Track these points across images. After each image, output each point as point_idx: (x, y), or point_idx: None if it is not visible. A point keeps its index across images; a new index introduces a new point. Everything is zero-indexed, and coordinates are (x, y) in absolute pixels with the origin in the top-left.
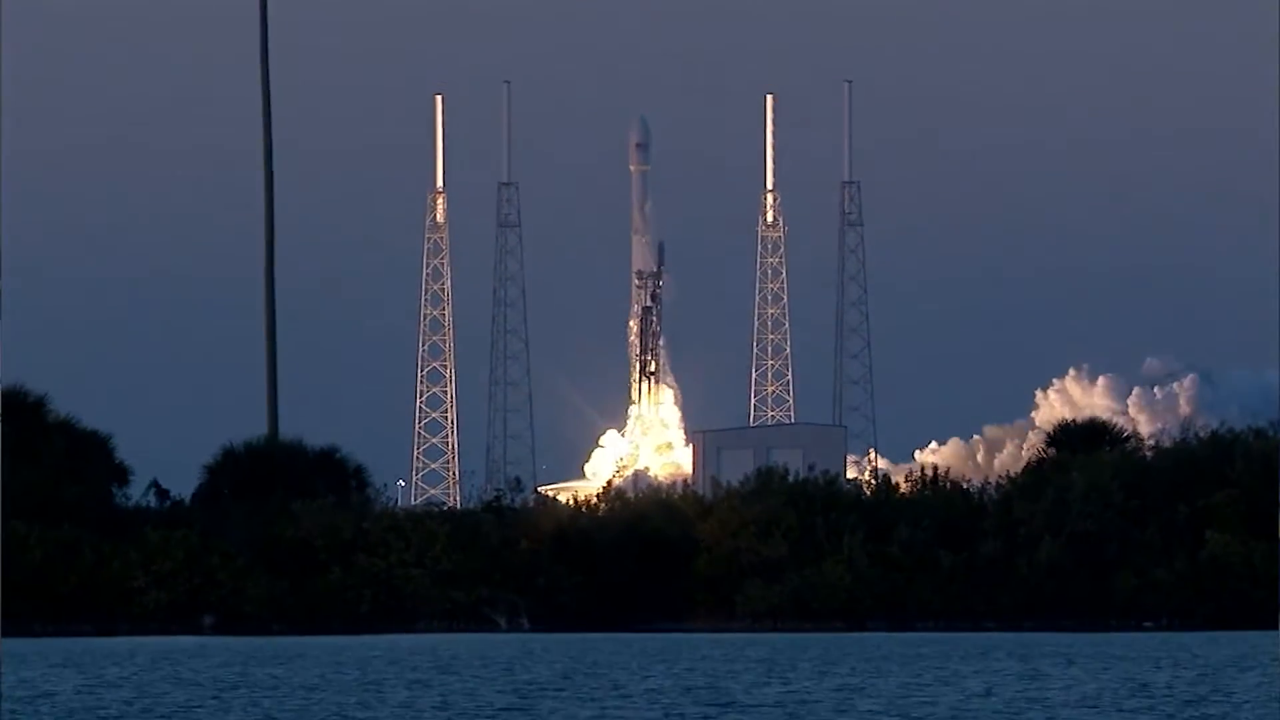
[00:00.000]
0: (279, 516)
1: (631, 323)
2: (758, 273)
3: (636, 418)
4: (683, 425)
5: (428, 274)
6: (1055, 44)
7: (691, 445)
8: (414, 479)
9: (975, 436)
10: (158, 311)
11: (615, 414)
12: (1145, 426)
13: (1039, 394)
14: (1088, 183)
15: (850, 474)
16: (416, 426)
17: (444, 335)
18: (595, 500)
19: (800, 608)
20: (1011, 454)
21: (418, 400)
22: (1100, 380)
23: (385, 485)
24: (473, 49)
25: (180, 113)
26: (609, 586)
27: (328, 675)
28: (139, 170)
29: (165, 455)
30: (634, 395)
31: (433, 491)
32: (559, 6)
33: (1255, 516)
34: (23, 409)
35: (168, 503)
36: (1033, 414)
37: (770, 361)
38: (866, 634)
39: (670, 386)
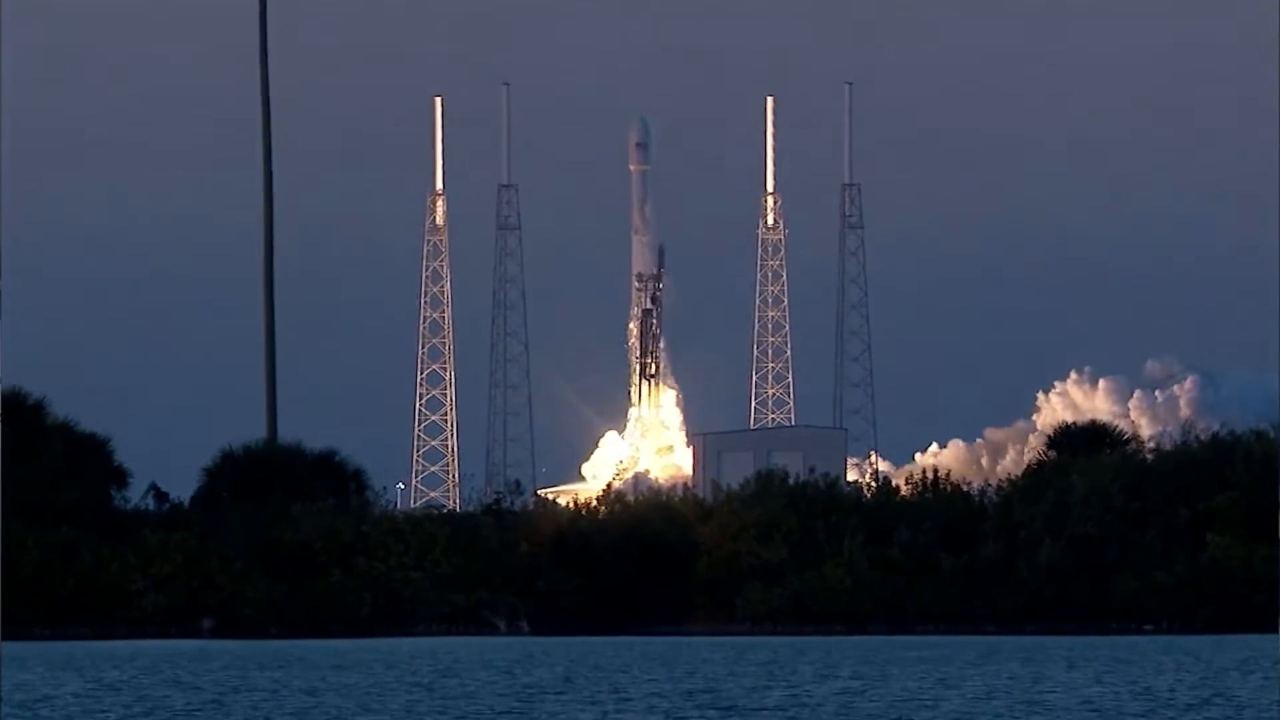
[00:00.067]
0: (278, 519)
1: (631, 325)
2: (758, 275)
3: (636, 420)
4: (684, 427)
5: (427, 276)
6: (1055, 45)
7: (692, 448)
8: (413, 482)
9: (978, 440)
10: (157, 313)
11: (615, 417)
12: (1146, 429)
13: (1040, 397)
14: (1088, 184)
15: (851, 477)
16: (416, 429)
17: (443, 338)
18: (595, 503)
19: (800, 611)
20: (1014, 460)
21: (417, 403)
22: (1101, 383)
23: (384, 488)
24: (472, 51)
25: (180, 113)
26: (609, 590)
27: (328, 678)
28: (138, 171)
29: (164, 458)
30: (634, 398)
31: (432, 494)
32: (558, 9)
33: (1256, 519)
34: (21, 411)
35: (166, 505)
36: (1034, 417)
37: (770, 364)
38: (867, 637)
39: (672, 388)
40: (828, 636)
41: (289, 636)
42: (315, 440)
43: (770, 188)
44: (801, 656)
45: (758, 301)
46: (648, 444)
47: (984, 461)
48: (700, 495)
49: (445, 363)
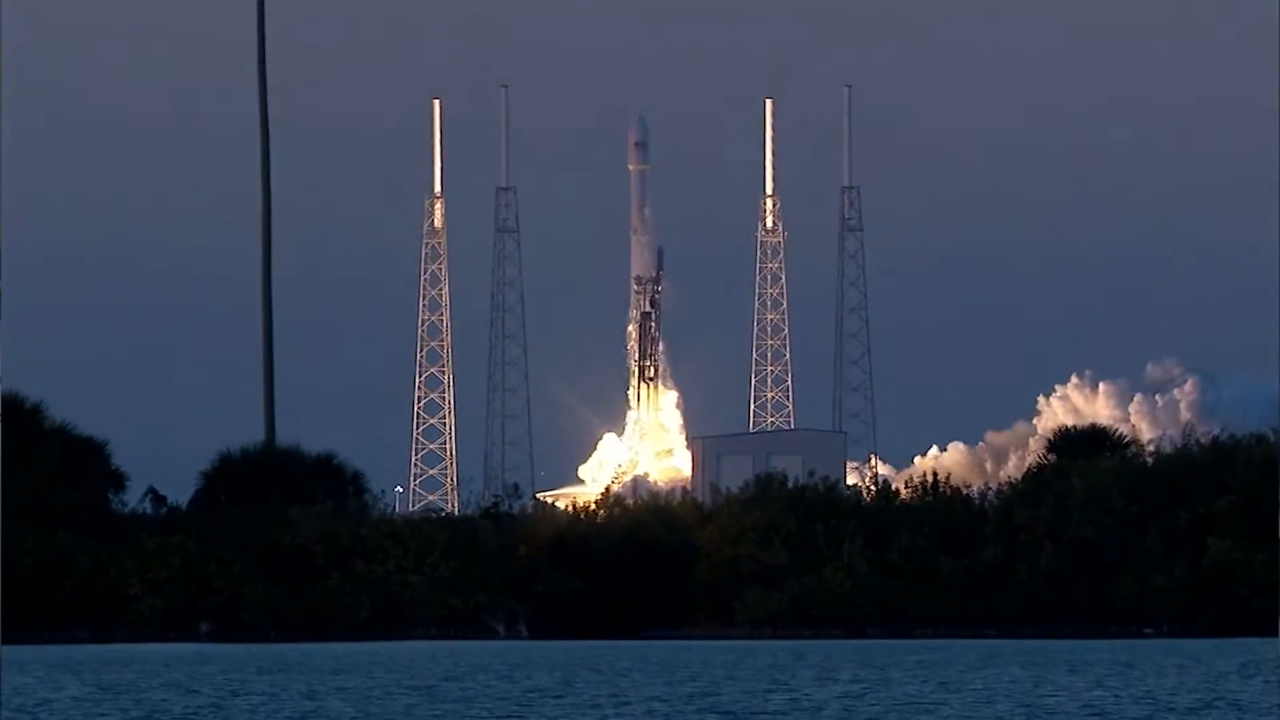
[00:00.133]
0: (276, 523)
1: (630, 328)
2: (757, 278)
3: (635, 422)
4: (684, 429)
5: (425, 279)
6: (1056, 49)
7: (691, 451)
8: (412, 485)
9: (980, 443)
10: (155, 317)
11: (614, 420)
12: (1147, 433)
13: (1042, 400)
14: (1088, 187)
15: (851, 480)
16: (414, 432)
17: (442, 341)
18: (594, 507)
19: (800, 615)
20: (1016, 465)
21: (415, 406)
22: (1102, 386)
23: (383, 491)
24: (471, 53)
25: (177, 116)
26: (608, 593)
27: (327, 682)
28: (137, 174)
29: (162, 461)
30: (633, 401)
31: (431, 498)
32: (558, 11)
33: (1256, 523)
34: (19, 414)
35: (164, 509)
36: (1035, 420)
37: (770, 367)
38: (867, 641)
39: (673, 390)
40: (827, 640)
41: (287, 640)
42: (313, 443)
43: (769, 190)
44: (801, 660)
45: (757, 304)
46: (646, 447)
47: (988, 465)
48: (699, 499)
49: (444, 366)
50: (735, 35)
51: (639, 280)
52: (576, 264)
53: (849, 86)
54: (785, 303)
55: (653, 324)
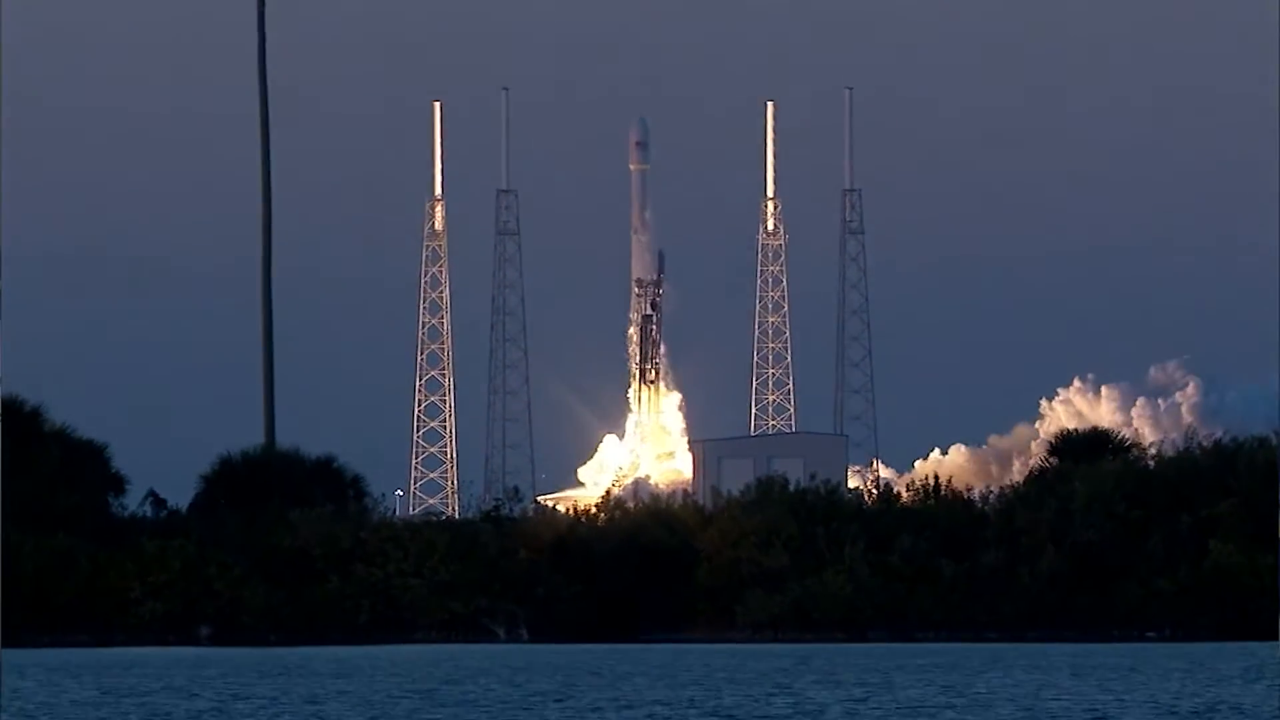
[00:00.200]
0: (276, 526)
1: (631, 331)
2: (758, 281)
3: (636, 425)
4: (685, 432)
5: (426, 282)
6: (1057, 52)
7: (692, 454)
8: (412, 488)
9: (985, 445)
10: (155, 320)
11: (615, 423)
12: (1150, 436)
13: (1044, 403)
14: (1091, 190)
15: (852, 483)
16: (415, 435)
17: (442, 343)
18: (594, 510)
19: (801, 618)
20: (1019, 470)
21: (416, 409)
22: (1104, 389)
23: (383, 495)
24: (471, 55)
25: (178, 120)
26: (608, 597)
27: (328, 686)
28: (137, 177)
29: (162, 464)
30: (634, 404)
31: (431, 501)
32: (558, 14)
33: (1259, 526)
34: (19, 418)
35: (164, 512)
36: (1038, 424)
37: (771, 370)
38: (870, 644)
39: (676, 392)
40: (829, 644)
41: (287, 644)
42: (313, 446)
43: (770, 193)
44: (804, 664)
45: (758, 307)
46: (647, 449)
47: (993, 469)
48: (700, 502)
49: (444, 369)
50: (736, 37)
51: (640, 283)
52: (577, 266)
53: (850, 89)
54: (786, 305)
55: (654, 327)
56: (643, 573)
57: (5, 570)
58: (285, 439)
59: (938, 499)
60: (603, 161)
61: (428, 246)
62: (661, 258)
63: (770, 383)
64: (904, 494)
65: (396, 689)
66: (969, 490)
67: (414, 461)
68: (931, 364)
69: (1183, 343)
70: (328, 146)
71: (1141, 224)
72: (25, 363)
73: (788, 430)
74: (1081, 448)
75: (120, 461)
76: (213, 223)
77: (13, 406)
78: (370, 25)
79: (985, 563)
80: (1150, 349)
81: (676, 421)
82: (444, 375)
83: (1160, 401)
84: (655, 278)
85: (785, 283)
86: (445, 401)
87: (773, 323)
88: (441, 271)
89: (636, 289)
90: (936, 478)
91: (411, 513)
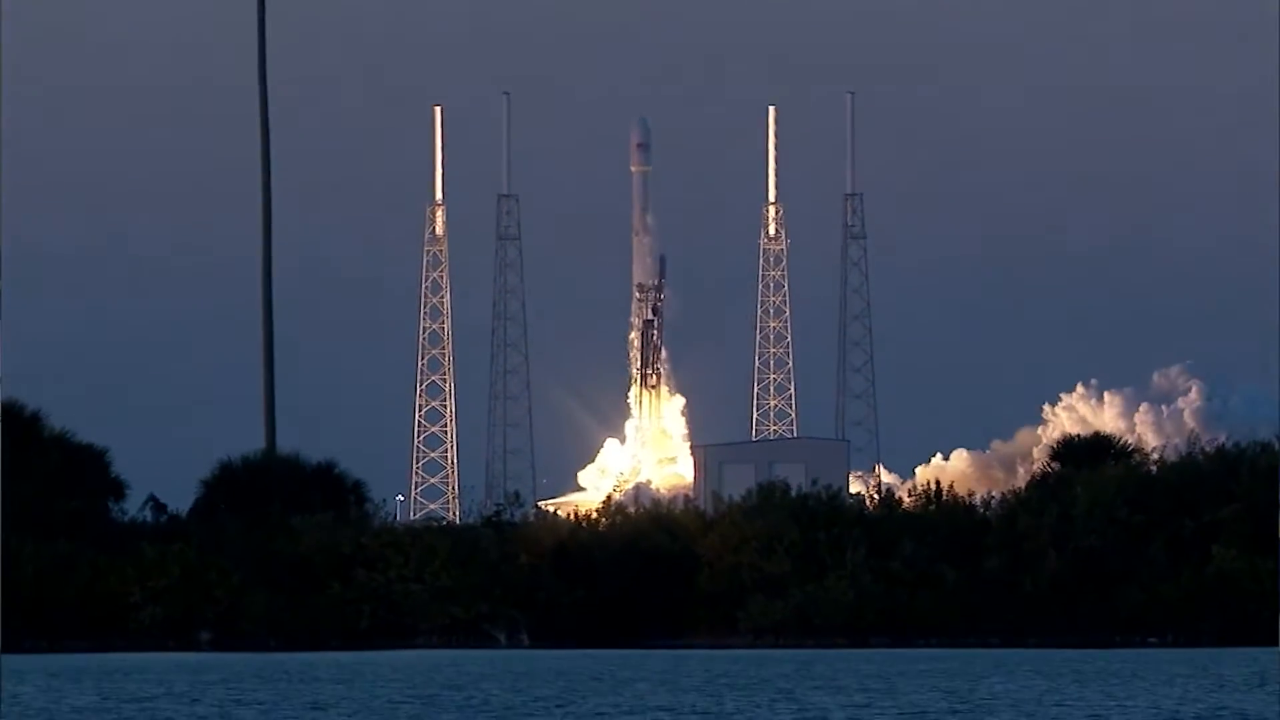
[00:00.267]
0: (277, 531)
1: (632, 336)
2: (760, 285)
3: (636, 430)
4: (687, 436)
5: (427, 287)
6: (1059, 55)
7: (693, 459)
8: (413, 493)
9: (987, 451)
10: (155, 324)
11: (616, 428)
12: (1153, 442)
13: (1048, 409)
14: (1093, 195)
15: (854, 489)
16: (415, 441)
17: (443, 348)
18: (596, 515)
19: (803, 624)
20: (1023, 477)
21: (417, 414)
22: (1107, 396)
23: (384, 500)
24: (472, 60)
25: (178, 123)
26: (609, 602)
27: (330, 691)
28: (138, 183)
29: (162, 469)
30: (635, 409)
31: (432, 506)
32: (559, 18)
33: (1261, 531)
34: (18, 422)
35: (164, 517)
36: (1040, 430)
37: (772, 375)
38: (873, 650)
39: (680, 395)
40: (830, 649)
41: (288, 649)
42: (314, 452)
43: (772, 198)
44: (805, 670)
45: (759, 312)
46: (648, 454)
47: (997, 474)
48: (701, 507)
49: (445, 374)
50: (737, 42)
51: (641, 288)
52: (578, 271)
53: (852, 93)
54: (788, 310)
55: (655, 332)
56: (644, 578)
57: (5, 575)
58: (286, 444)
59: (939, 504)
60: (603, 165)
61: (428, 251)
62: (663, 262)
63: (772, 388)
64: (906, 499)
65: (398, 694)
66: (971, 496)
67: (415, 466)
68: (934, 369)
69: (1187, 347)
70: (328, 151)
71: (1146, 229)
72: (24, 363)
73: (789, 435)
74: (1084, 453)
75: (120, 466)
76: (213, 226)
77: (13, 411)
78: (370, 30)
79: (987, 568)
80: (1154, 354)
81: (678, 426)
82: (445, 380)
83: (1164, 408)
84: (656, 282)
85: (787, 287)
86: (446, 406)
87: (774, 327)
88: (442, 276)
89: (638, 294)
90: (938, 483)
91: (412, 518)
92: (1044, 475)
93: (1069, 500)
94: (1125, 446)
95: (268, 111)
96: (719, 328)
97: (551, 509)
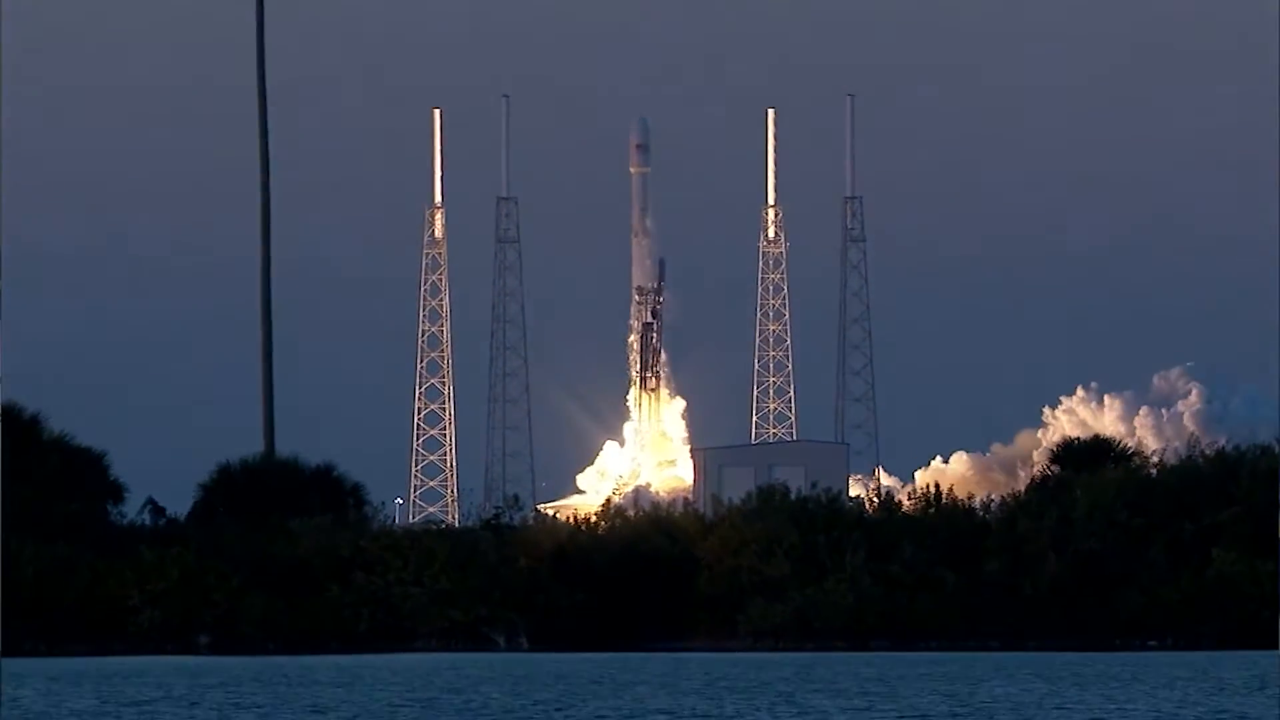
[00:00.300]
0: (275, 535)
1: (632, 339)
2: (759, 289)
3: (636, 432)
4: (687, 438)
5: (426, 289)
6: (1059, 58)
7: (693, 462)
8: (412, 497)
9: (987, 454)
10: (154, 327)
11: (615, 431)
12: (1153, 445)
13: (1048, 412)
14: (1094, 197)
15: (854, 492)
16: (414, 444)
17: (442, 352)
18: (595, 518)
19: (803, 627)
20: (1023, 480)
21: (415, 417)
22: (1108, 399)
23: (383, 503)
24: (471, 62)
25: (176, 124)
26: (609, 605)
27: (328, 694)
28: (136, 185)
29: (160, 472)
30: (634, 412)
31: (431, 509)
32: (559, 21)
33: (1261, 534)
34: (17, 425)
35: (163, 521)
36: (1041, 433)
37: (772, 378)
38: (873, 654)
39: (681, 398)
40: (830, 653)
41: (286, 652)
42: (313, 455)
43: (771, 200)
44: (805, 673)
45: (759, 315)
46: (648, 457)
47: (996, 477)
48: (701, 510)
49: (444, 377)
50: (737, 42)
51: (640, 291)
52: (577, 274)
53: (851, 95)
54: (787, 313)
55: (654, 335)
56: (643, 581)
57: (4, 578)
58: (284, 447)
59: (939, 507)
60: (603, 167)
61: (427, 254)
62: (662, 265)
63: (771, 390)
64: (905, 502)
65: (397, 697)
66: (970, 499)
67: (414, 469)
68: (933, 372)
69: (1187, 349)
70: (328, 151)
71: (1147, 231)
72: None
73: (789, 438)
74: (1084, 456)
75: (119, 469)
76: (212, 229)
77: (11, 414)
78: (370, 33)
79: (987, 571)
80: (1154, 356)
81: (678, 429)
82: (444, 383)
83: (1164, 412)
84: (656, 285)
85: (786, 290)
86: (445, 409)
87: (774, 330)
88: (441, 279)
89: (637, 296)
90: (938, 486)
91: (411, 521)
92: (1044, 478)
93: (1069, 503)
94: (1125, 449)
95: (267, 111)
96: (718, 330)
97: (551, 512)
